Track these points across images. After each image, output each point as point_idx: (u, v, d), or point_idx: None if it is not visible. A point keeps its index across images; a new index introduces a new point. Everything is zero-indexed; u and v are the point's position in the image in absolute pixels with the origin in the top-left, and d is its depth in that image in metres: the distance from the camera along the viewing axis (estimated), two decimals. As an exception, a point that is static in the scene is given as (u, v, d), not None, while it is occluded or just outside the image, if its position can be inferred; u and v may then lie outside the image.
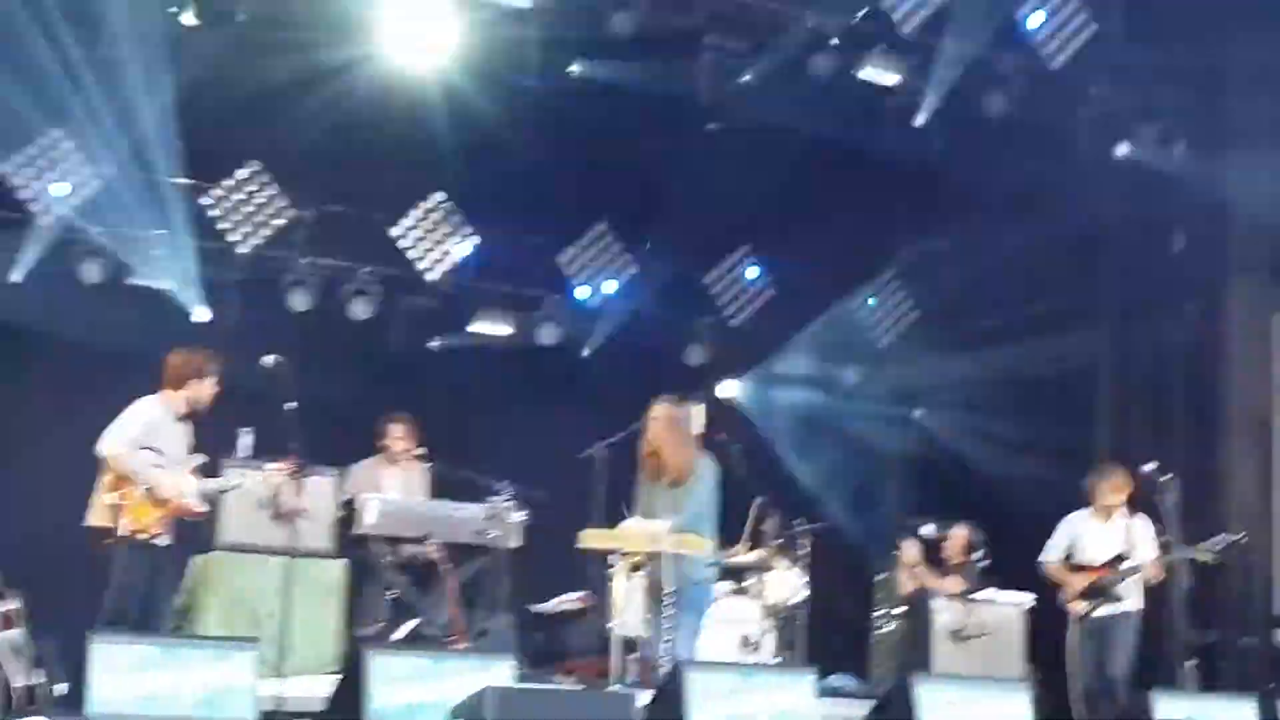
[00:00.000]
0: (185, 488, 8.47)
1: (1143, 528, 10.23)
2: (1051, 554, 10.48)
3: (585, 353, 13.42)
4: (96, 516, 8.33)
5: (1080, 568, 10.31)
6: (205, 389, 8.63)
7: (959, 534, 11.96)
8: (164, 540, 8.42)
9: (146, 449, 8.39)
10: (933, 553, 12.06)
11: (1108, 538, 10.29)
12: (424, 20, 11.03)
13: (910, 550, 11.93)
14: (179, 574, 8.92)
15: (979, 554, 11.84)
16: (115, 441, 8.33)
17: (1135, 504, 10.42)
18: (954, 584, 11.59)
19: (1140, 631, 10.18)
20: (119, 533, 8.22)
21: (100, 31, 10.71)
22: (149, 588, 8.34)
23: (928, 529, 12.10)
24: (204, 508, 8.69)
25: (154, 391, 8.62)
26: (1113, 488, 10.30)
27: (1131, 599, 10.13)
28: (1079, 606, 10.22)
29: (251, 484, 8.69)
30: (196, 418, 8.70)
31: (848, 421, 14.26)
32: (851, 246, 13.51)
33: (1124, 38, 12.60)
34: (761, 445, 13.17)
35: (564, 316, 13.22)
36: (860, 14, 11.92)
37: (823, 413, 14.06)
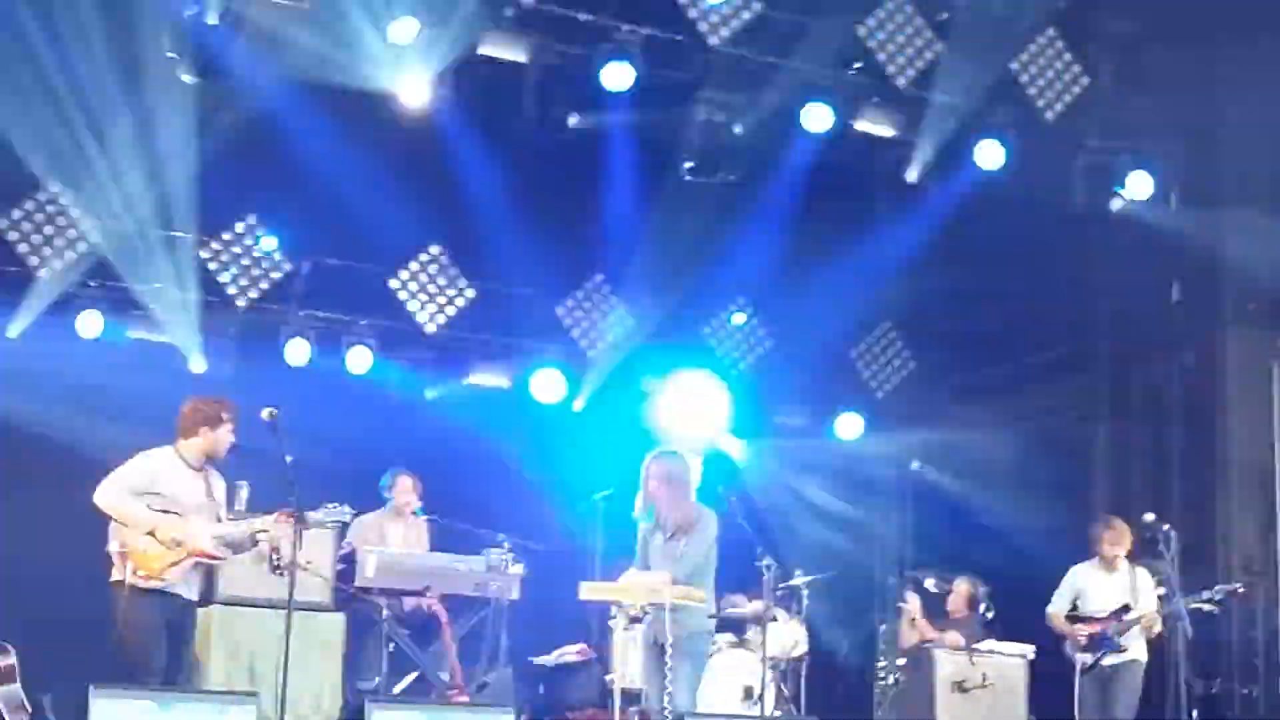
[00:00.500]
0: (197, 532, 8.38)
1: (1145, 578, 10.25)
2: (1057, 604, 10.49)
3: (581, 405, 13.39)
4: (116, 572, 8.28)
5: (1085, 618, 10.31)
6: (218, 438, 8.60)
7: (962, 587, 11.94)
8: (181, 589, 8.36)
9: (153, 496, 8.34)
10: (935, 605, 12.03)
11: (1112, 588, 10.31)
12: (421, 73, 11.11)
13: (913, 602, 11.90)
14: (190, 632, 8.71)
15: (983, 607, 11.82)
16: (107, 489, 8.33)
17: (1135, 555, 10.43)
18: (956, 637, 11.55)
19: (1144, 681, 10.16)
20: (125, 580, 8.16)
21: (98, 83, 10.75)
22: (170, 638, 8.25)
23: (930, 581, 12.07)
24: (223, 553, 8.56)
25: (159, 442, 8.62)
26: (1113, 539, 10.34)
27: (1136, 648, 10.13)
28: (1085, 657, 10.22)
29: (276, 533, 8.54)
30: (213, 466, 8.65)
31: (846, 472, 14.24)
32: (847, 297, 13.53)
33: (1116, 90, 12.70)
34: (760, 496, 13.15)
35: (563, 368, 13.19)
36: (855, 66, 12.02)
37: (821, 464, 14.03)
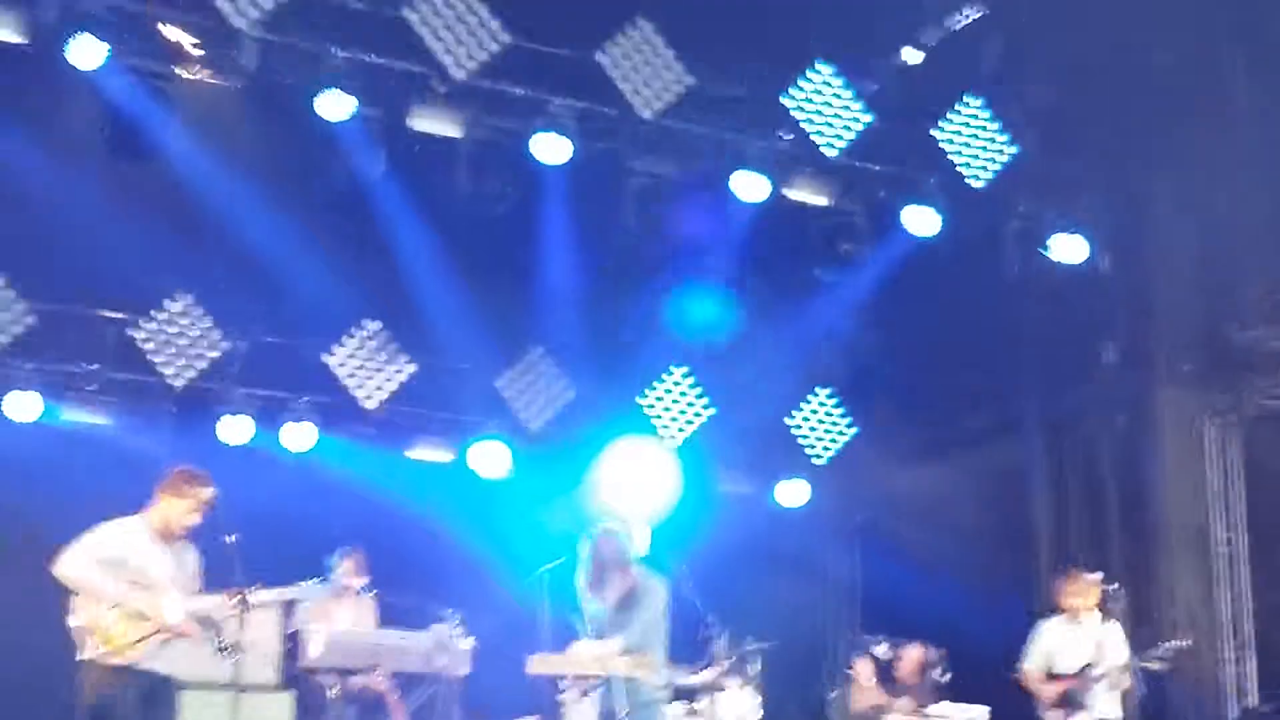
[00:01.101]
0: (168, 606, 8.16)
1: (1114, 633, 10.23)
2: (1027, 661, 10.47)
3: (524, 478, 13.34)
4: (79, 647, 8.05)
5: (1055, 677, 10.31)
6: (177, 509, 8.34)
7: (912, 653, 11.93)
8: (155, 664, 8.13)
9: (118, 568, 8.12)
10: (886, 671, 12.00)
11: (1078, 645, 10.31)
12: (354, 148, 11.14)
13: (864, 668, 11.87)
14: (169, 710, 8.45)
15: (936, 672, 11.80)
16: (67, 560, 8.08)
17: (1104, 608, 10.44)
18: (907, 703, 11.51)
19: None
20: (86, 656, 7.94)
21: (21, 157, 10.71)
22: (146, 716, 8.05)
23: (881, 648, 12.05)
24: (194, 630, 8.27)
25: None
26: (1075, 591, 10.32)
27: (1105, 707, 10.09)
28: (1053, 716, 10.21)
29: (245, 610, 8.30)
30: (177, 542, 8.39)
31: (790, 538, 14.23)
32: (786, 365, 13.59)
33: (1044, 156, 12.90)
34: (707, 563, 13.10)
35: (505, 441, 13.13)
36: (785, 137, 12.14)
37: (765, 530, 14.02)
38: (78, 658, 8.07)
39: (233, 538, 8.24)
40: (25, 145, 10.84)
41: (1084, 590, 10.33)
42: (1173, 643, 10.39)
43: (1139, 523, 12.83)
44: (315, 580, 8.79)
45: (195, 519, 8.39)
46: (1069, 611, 10.36)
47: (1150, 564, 12.64)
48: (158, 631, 8.12)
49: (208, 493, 8.42)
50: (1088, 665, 10.14)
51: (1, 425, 11.55)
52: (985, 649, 10.74)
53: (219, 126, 11.34)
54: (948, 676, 11.76)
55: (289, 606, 10.01)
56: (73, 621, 8.06)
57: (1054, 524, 13.56)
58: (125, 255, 11.41)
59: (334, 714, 9.92)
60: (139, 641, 8.08)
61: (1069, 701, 10.14)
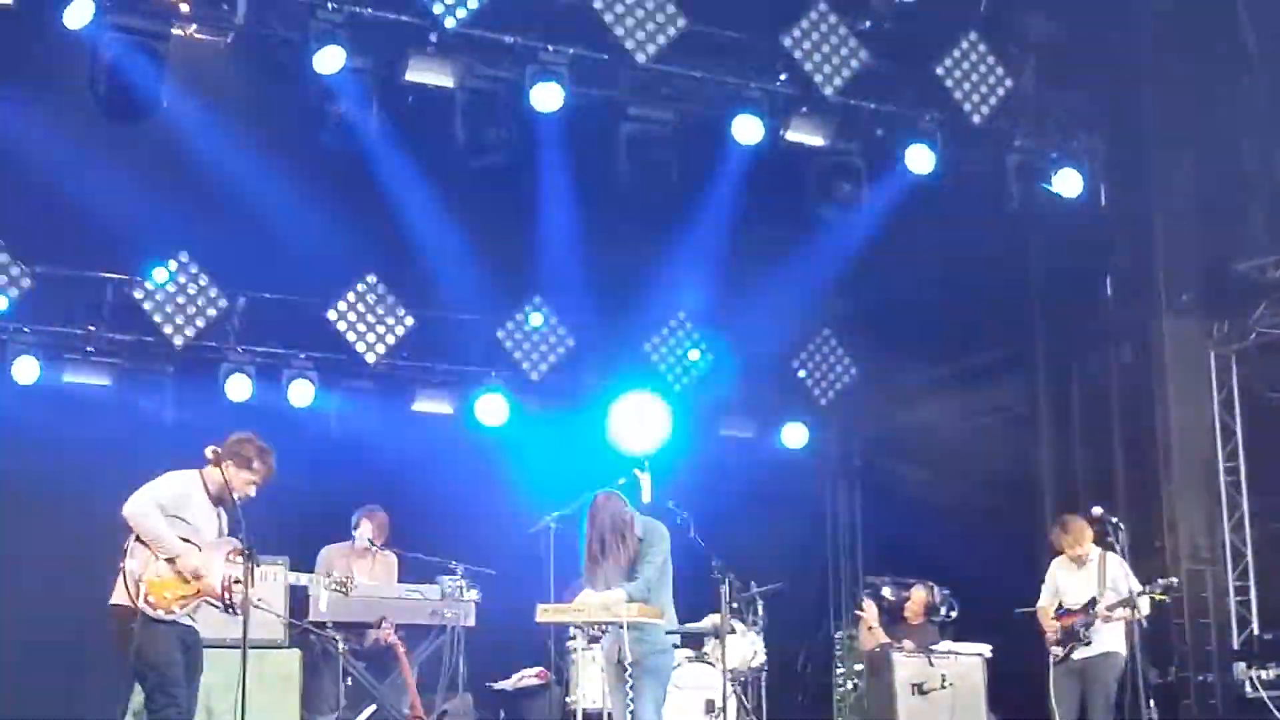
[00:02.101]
0: (213, 569, 8.12)
1: (1116, 566, 10.26)
2: (1042, 599, 10.56)
3: (528, 427, 13.36)
4: (119, 594, 7.96)
5: (1062, 614, 10.39)
6: (241, 479, 8.21)
7: (918, 594, 11.98)
8: (189, 623, 8.11)
9: (178, 521, 8.05)
10: (894, 612, 12.06)
11: (1082, 583, 10.36)
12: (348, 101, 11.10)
13: (870, 610, 11.92)
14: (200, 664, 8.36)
15: (942, 610, 11.84)
16: (139, 501, 7.97)
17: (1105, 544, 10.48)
18: (913, 643, 11.56)
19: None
20: (136, 606, 7.87)
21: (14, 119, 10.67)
22: (185, 668, 8.01)
23: (887, 589, 12.10)
24: (228, 595, 8.18)
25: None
26: (1071, 541, 10.36)
27: (1106, 641, 10.15)
28: (1056, 650, 10.30)
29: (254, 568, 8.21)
30: (226, 505, 8.28)
31: (793, 481, 14.26)
32: (787, 306, 13.57)
33: (1041, 90, 12.83)
34: (710, 508, 13.13)
35: (506, 392, 13.14)
36: (781, 78, 12.07)
37: (768, 473, 14.04)
38: (114, 601, 7.98)
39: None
40: (18, 107, 10.80)
41: (1080, 536, 10.34)
42: (1164, 579, 10.37)
43: (1143, 454, 12.85)
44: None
45: (252, 492, 8.30)
46: (1069, 557, 10.40)
47: (1155, 495, 12.66)
48: (198, 595, 8.11)
49: (272, 470, 8.36)
50: (1091, 600, 10.20)
51: (4, 388, 11.56)
52: (987, 587, 10.78)
53: (212, 83, 11.30)
54: (954, 614, 11.82)
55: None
56: (128, 564, 7.95)
57: (1057, 458, 13.58)
58: (122, 215, 11.39)
59: (341, 668, 9.99)
60: (181, 599, 8.03)
61: (1072, 636, 10.21)
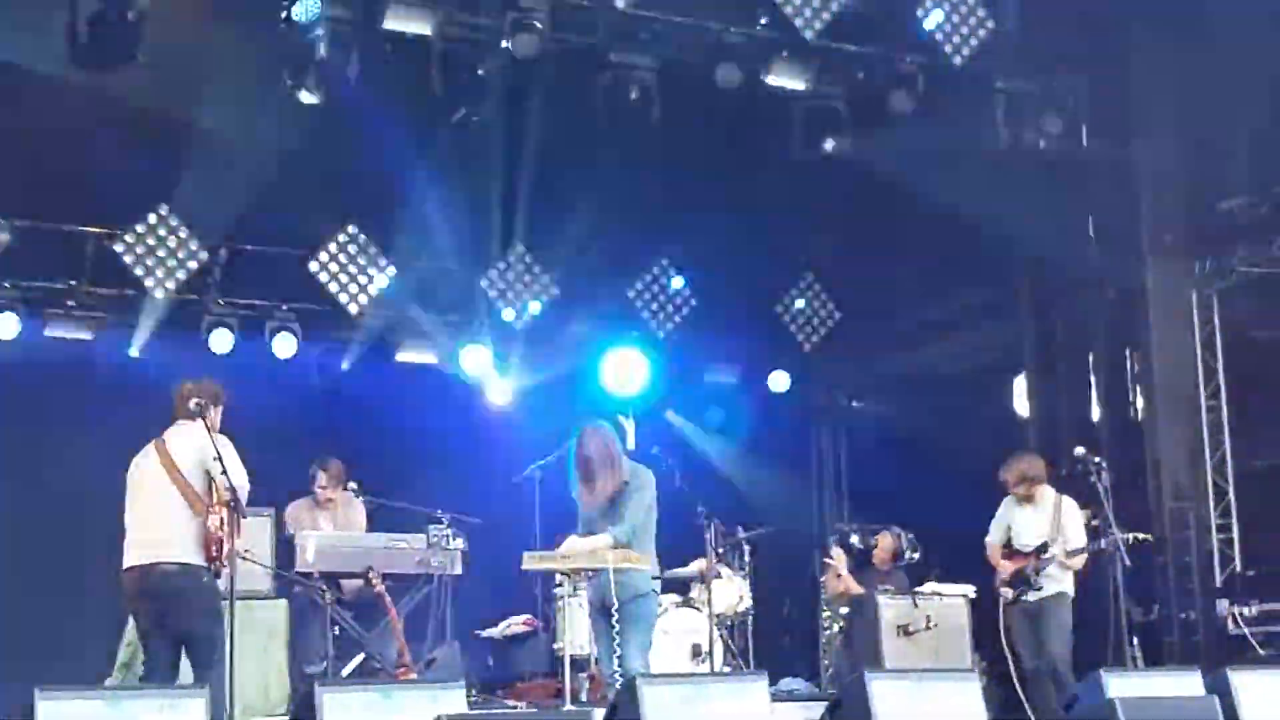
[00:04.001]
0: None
1: (1070, 510, 10.28)
2: (992, 535, 10.56)
3: (510, 375, 13.37)
4: (193, 552, 8.02)
5: (1013, 553, 10.40)
6: (217, 418, 8.33)
7: (885, 540, 12.09)
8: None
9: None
10: (863, 557, 12.14)
11: (1035, 524, 10.34)
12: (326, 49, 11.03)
13: (839, 556, 12.02)
14: None
15: (907, 555, 11.95)
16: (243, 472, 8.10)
17: (1065, 487, 10.51)
18: (882, 587, 11.65)
19: (1075, 613, 10.24)
20: (212, 569, 7.98)
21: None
22: None
23: (855, 536, 12.21)
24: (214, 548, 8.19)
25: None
26: (1016, 477, 10.33)
27: (1058, 583, 10.18)
28: (1006, 591, 10.33)
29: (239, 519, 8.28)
30: None
31: (777, 426, 14.30)
32: (771, 252, 13.57)
33: (1022, 30, 12.77)
34: (695, 455, 13.20)
35: (489, 341, 13.15)
36: (762, 21, 12.02)
37: (753, 419, 14.09)
38: (186, 560, 8.02)
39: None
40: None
41: (1025, 476, 10.28)
42: (1136, 533, 10.36)
43: (1127, 393, 12.88)
44: None
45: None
46: (1019, 497, 10.39)
47: (1138, 434, 12.71)
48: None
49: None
50: (1044, 545, 10.19)
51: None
52: (972, 529, 10.81)
53: (190, 33, 11.21)
54: (916, 556, 11.91)
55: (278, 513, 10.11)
56: (210, 523, 8.00)
57: (1042, 399, 13.61)
58: (101, 168, 11.34)
59: (329, 618, 10.03)
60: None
61: (1022, 580, 10.22)
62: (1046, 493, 10.35)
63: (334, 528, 10.60)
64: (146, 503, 8.21)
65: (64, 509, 11.35)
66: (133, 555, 8.20)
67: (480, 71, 11.64)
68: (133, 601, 8.32)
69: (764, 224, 13.23)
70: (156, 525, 8.14)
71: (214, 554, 8.00)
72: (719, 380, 14.34)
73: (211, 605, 8.06)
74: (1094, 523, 10.41)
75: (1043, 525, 10.29)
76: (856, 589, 11.74)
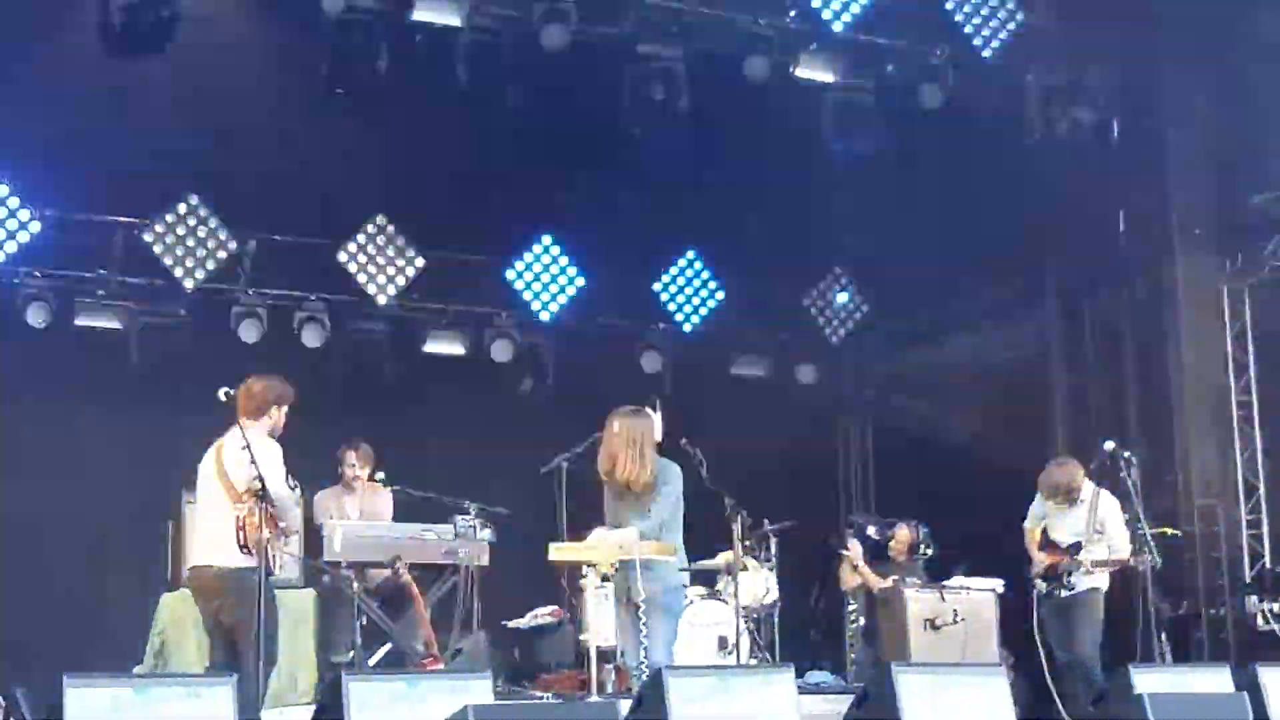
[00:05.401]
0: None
1: (1108, 507, 10.20)
2: (1030, 520, 10.47)
3: (539, 366, 13.37)
4: (235, 557, 8.03)
5: (1049, 545, 10.34)
6: (282, 417, 8.40)
7: (902, 532, 12.08)
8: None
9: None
10: (880, 551, 12.13)
11: (1072, 521, 10.28)
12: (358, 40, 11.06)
13: (855, 548, 12.01)
14: None
15: (922, 547, 11.93)
16: (283, 482, 8.13)
17: (1100, 481, 10.44)
18: (898, 580, 11.63)
19: (1106, 608, 10.20)
20: (267, 572, 7.96)
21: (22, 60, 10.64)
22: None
23: (872, 528, 12.20)
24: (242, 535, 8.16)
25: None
26: (1051, 490, 10.26)
27: (1089, 580, 10.13)
28: (1040, 585, 10.28)
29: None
30: None
31: (803, 419, 14.26)
32: (799, 245, 13.55)
33: (1053, 22, 12.73)
34: (722, 447, 13.13)
35: (517, 332, 13.16)
36: (791, 14, 12.01)
37: (779, 412, 14.05)
38: (239, 565, 8.00)
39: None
40: (26, 48, 10.77)
41: (1061, 485, 10.20)
42: (1168, 530, 10.31)
43: (1156, 388, 12.84)
44: None
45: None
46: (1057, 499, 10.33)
47: (1167, 429, 12.65)
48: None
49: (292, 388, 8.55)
50: (1077, 545, 10.12)
51: (17, 331, 11.58)
52: (1000, 525, 10.77)
53: (221, 23, 11.27)
54: (930, 551, 11.88)
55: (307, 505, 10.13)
56: (256, 537, 7.95)
57: (1071, 394, 13.56)
58: (131, 158, 11.38)
59: (356, 607, 10.05)
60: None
61: (1055, 576, 10.17)
62: (1085, 490, 10.28)
63: (360, 514, 10.61)
64: (201, 505, 8.35)
65: (95, 498, 11.41)
66: (192, 555, 8.42)
67: (508, 62, 11.66)
68: (195, 597, 8.49)
69: (793, 216, 13.21)
70: (207, 528, 8.27)
71: (242, 541, 8.03)
72: (745, 373, 14.31)
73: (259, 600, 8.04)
74: (1124, 517, 10.36)
75: (1078, 524, 10.21)
76: (873, 581, 11.73)
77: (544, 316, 13.33)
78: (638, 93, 11.96)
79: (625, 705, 7.48)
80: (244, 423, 8.10)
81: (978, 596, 11.23)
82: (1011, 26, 12.34)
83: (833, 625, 12.66)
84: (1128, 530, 10.01)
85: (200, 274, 12.12)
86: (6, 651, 9.16)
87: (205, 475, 8.34)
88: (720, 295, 14.02)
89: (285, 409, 8.45)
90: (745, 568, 10.71)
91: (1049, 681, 9.84)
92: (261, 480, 7.98)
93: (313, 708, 7.31)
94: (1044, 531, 10.33)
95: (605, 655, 9.32)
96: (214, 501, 8.21)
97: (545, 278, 13.35)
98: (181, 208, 12.08)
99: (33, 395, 11.22)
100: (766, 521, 11.22)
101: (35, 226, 11.63)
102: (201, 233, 12.12)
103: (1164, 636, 9.95)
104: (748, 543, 10.69)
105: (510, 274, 13.26)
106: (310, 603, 10.04)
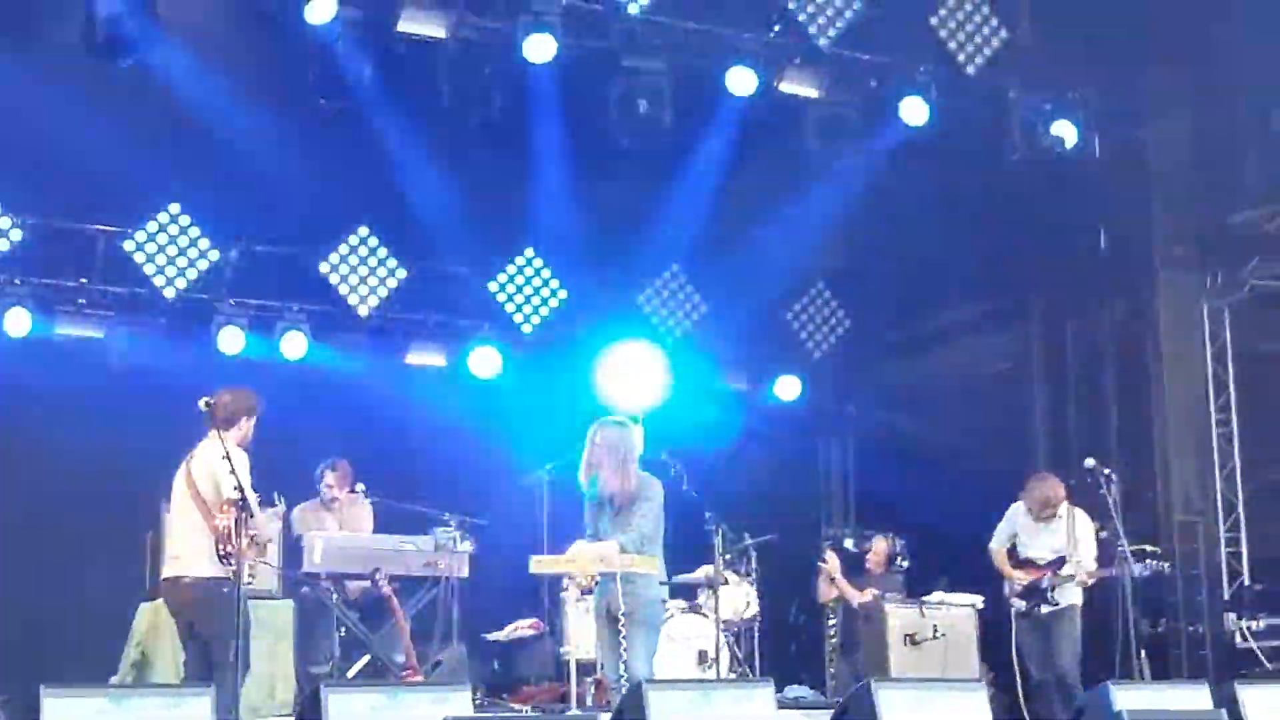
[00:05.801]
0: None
1: (1083, 524, 10.27)
2: (996, 540, 10.56)
3: (521, 379, 13.35)
4: (206, 566, 8.07)
5: (1024, 563, 10.38)
6: (251, 427, 8.46)
7: (879, 545, 12.11)
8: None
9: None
10: (857, 562, 12.14)
11: (1048, 538, 10.36)
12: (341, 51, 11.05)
13: (832, 561, 12.03)
14: None
15: (898, 562, 11.96)
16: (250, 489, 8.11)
17: (1075, 498, 10.49)
18: (873, 592, 11.65)
19: (1083, 625, 10.24)
20: (236, 581, 7.97)
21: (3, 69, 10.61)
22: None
23: (849, 541, 12.23)
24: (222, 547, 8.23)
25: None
26: (1039, 503, 10.34)
27: (1070, 596, 10.19)
28: (1018, 603, 10.33)
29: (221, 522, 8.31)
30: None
31: (785, 433, 14.27)
32: (781, 258, 13.55)
33: (1036, 40, 12.77)
34: (703, 460, 13.15)
35: (498, 344, 13.14)
36: (776, 28, 12.03)
37: (761, 426, 14.06)
38: (213, 575, 8.09)
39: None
40: (8, 57, 10.73)
41: (1047, 501, 10.31)
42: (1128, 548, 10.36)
43: (1136, 405, 12.86)
44: None
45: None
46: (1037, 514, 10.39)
47: (1147, 447, 12.69)
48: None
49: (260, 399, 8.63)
50: (1061, 560, 10.18)
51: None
52: (980, 540, 10.80)
53: (203, 33, 11.24)
54: (907, 564, 11.91)
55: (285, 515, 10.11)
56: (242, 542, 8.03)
57: (1052, 410, 13.59)
58: (113, 167, 11.33)
59: (335, 619, 10.03)
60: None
61: (1037, 593, 10.22)
62: (1063, 507, 10.36)
63: (340, 529, 10.60)
64: (173, 517, 8.42)
65: (72, 507, 11.36)
66: (164, 567, 8.46)
67: (493, 74, 11.66)
68: (168, 608, 8.56)
69: (775, 231, 13.21)
70: (179, 540, 8.33)
71: (223, 552, 8.02)
72: (727, 386, 14.30)
73: (233, 612, 8.05)
74: (1103, 534, 10.41)
75: (1058, 540, 10.28)
76: (850, 594, 11.75)
77: (525, 329, 13.31)
78: (622, 106, 11.95)
79: (605, 718, 7.48)
80: (218, 434, 8.10)
81: (958, 612, 11.25)
82: (995, 44, 12.36)
83: (812, 639, 12.65)
84: (1097, 550, 10.11)
85: (181, 283, 12.08)
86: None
87: (178, 488, 8.38)
88: (703, 308, 14.02)
89: (254, 420, 8.52)
90: (726, 581, 10.72)
91: (1020, 701, 9.89)
92: (241, 490, 7.98)
93: (291, 719, 7.29)
94: (1012, 551, 10.40)
95: (585, 668, 9.32)
96: (184, 513, 8.22)
97: (528, 290, 13.34)
98: (163, 217, 12.04)
99: (12, 403, 11.15)
100: (747, 535, 11.23)
101: (16, 234, 11.57)
102: (183, 242, 12.08)
103: (1143, 654, 9.97)
104: (728, 556, 10.71)
105: (492, 286, 13.24)
106: (289, 614, 10.00)
